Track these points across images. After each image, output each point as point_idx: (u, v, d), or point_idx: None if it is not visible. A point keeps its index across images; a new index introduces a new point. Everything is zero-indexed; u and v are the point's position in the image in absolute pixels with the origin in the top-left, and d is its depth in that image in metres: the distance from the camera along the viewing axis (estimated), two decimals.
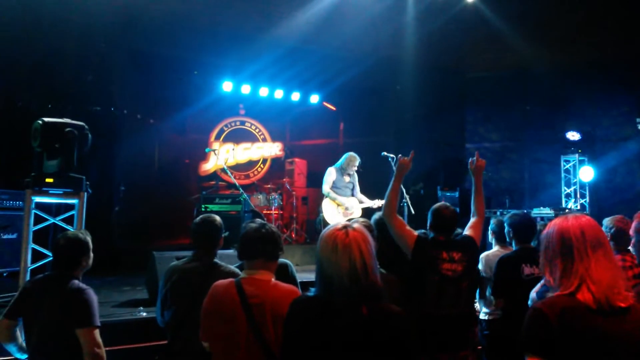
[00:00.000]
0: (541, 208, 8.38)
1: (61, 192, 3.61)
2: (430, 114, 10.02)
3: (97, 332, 2.56)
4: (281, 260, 3.04)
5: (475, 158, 3.45)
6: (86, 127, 3.77)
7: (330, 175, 6.40)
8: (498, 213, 8.08)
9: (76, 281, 2.64)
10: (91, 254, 2.79)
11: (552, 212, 8.09)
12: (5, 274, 5.94)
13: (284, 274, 2.90)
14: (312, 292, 1.81)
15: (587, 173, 9.33)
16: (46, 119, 3.68)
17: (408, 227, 3.10)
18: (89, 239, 2.77)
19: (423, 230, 3.26)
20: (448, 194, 9.17)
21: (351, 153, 6.48)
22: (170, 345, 2.82)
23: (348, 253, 1.70)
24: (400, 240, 3.06)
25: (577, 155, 9.40)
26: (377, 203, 6.32)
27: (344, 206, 6.36)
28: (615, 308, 1.51)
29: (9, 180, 6.58)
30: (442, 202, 3.25)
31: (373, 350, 1.66)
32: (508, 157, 10.61)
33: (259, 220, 2.50)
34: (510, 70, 10.09)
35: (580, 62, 9.45)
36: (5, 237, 6.04)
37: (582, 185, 9.54)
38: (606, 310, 1.51)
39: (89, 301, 2.58)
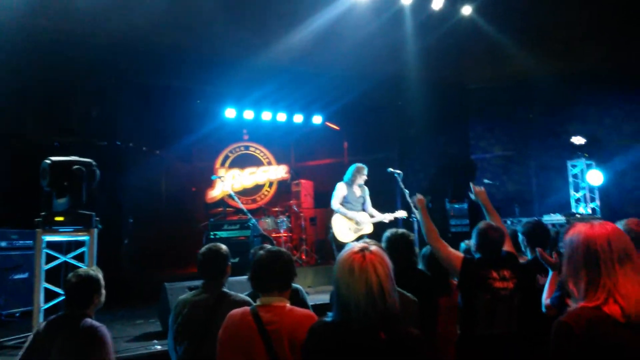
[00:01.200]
0: (551, 214, 8.30)
1: (71, 229, 3.63)
2: (434, 128, 10.04)
3: None
4: (292, 285, 3.02)
5: (472, 189, 3.63)
6: (94, 163, 3.80)
7: (340, 190, 6.34)
8: (509, 222, 8.02)
9: (89, 320, 2.62)
10: (103, 291, 2.79)
11: (563, 218, 8.01)
12: (17, 314, 5.93)
13: (295, 298, 2.88)
14: (329, 316, 1.79)
15: (595, 177, 9.26)
16: (54, 158, 3.72)
17: (452, 249, 3.17)
18: (100, 275, 2.77)
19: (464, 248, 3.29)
20: (456, 205, 9.12)
21: (357, 164, 6.45)
22: None
23: (365, 276, 1.67)
24: (446, 262, 3.14)
25: (583, 159, 9.35)
26: (389, 217, 6.29)
27: (354, 220, 6.30)
28: None
29: (18, 220, 6.63)
30: (487, 222, 3.26)
31: None
32: (514, 166, 10.56)
33: (268, 246, 2.48)
34: (511, 79, 10.11)
35: (584, 68, 9.46)
36: (16, 277, 6.04)
37: (592, 189, 9.46)
38: (635, 325, 1.45)
39: (103, 340, 2.56)
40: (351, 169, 6.41)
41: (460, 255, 3.13)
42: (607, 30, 8.34)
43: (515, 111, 10.47)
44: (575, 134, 9.31)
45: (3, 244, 6.18)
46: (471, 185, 3.63)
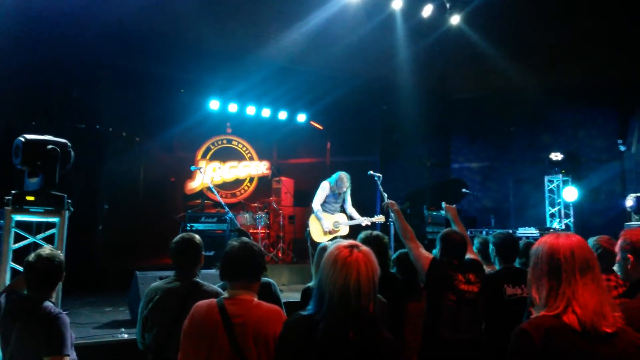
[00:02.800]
0: (526, 228, 8.45)
1: (42, 210, 3.53)
2: (416, 134, 10.13)
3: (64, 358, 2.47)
4: (265, 279, 3.01)
5: (444, 205, 3.88)
6: (69, 144, 3.71)
7: (324, 190, 6.37)
8: (484, 232, 8.12)
9: (49, 305, 2.52)
10: (64, 273, 2.72)
11: (537, 232, 8.16)
12: None
13: (267, 292, 2.86)
14: (308, 309, 1.78)
15: (571, 193, 9.45)
16: (28, 136, 3.62)
17: (424, 250, 3.24)
18: (62, 257, 2.70)
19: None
20: (434, 213, 9.19)
21: (342, 173, 6.46)
22: None
23: (345, 271, 1.67)
24: (417, 262, 3.21)
25: (560, 175, 9.54)
26: (366, 221, 6.30)
27: (330, 222, 6.34)
28: (601, 333, 1.49)
29: None
30: (450, 228, 3.41)
31: None
32: (493, 177, 10.72)
33: (242, 239, 2.46)
34: (494, 91, 10.27)
35: (564, 83, 9.67)
36: None
37: (567, 205, 9.65)
38: (592, 335, 1.49)
39: (60, 329, 2.48)
40: (335, 175, 6.43)
41: (430, 256, 3.19)
42: (587, 47, 8.54)
43: (496, 123, 10.63)
44: (553, 149, 9.50)
45: None
46: (443, 203, 3.78)
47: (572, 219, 9.60)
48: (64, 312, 2.59)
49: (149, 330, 2.77)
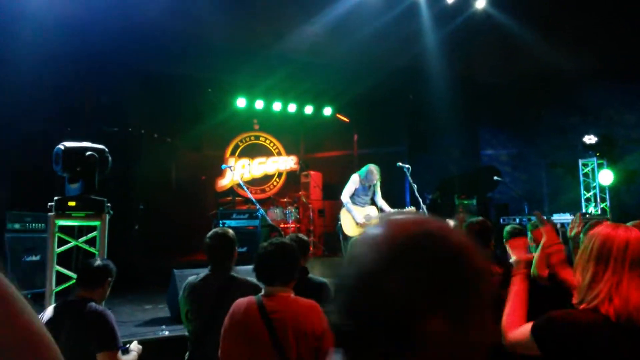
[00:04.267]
0: (561, 214, 8.25)
1: (83, 214, 3.68)
2: (444, 123, 9.99)
3: (119, 355, 2.59)
4: (319, 279, 3.05)
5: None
6: (106, 150, 3.85)
7: (354, 183, 6.37)
8: (517, 220, 7.98)
9: (94, 304, 2.66)
10: (111, 282, 2.84)
11: (572, 217, 7.95)
12: (29, 295, 6.04)
13: (321, 294, 2.86)
14: None
15: (606, 176, 9.18)
16: (67, 144, 3.77)
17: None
18: (114, 267, 2.83)
19: None
20: (465, 202, 9.10)
21: (372, 165, 6.45)
22: (190, 359, 2.86)
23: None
24: None
25: (595, 158, 9.27)
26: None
27: (361, 215, 6.34)
28: (639, 329, 1.45)
29: (32, 203, 6.75)
30: (478, 218, 3.33)
31: None
32: (525, 163, 10.50)
33: (276, 239, 2.51)
34: (522, 75, 10.02)
35: (595, 63, 9.36)
36: (28, 259, 6.15)
37: (602, 189, 9.39)
38: (628, 328, 1.45)
39: (109, 324, 2.61)
40: (365, 168, 6.42)
41: None
42: (619, 25, 8.23)
43: (526, 108, 10.39)
44: (587, 132, 9.24)
45: (17, 226, 6.28)
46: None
47: (608, 203, 9.33)
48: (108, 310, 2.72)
49: (188, 324, 2.88)
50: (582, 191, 9.48)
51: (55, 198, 3.74)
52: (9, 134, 7.01)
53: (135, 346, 2.86)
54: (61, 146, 3.79)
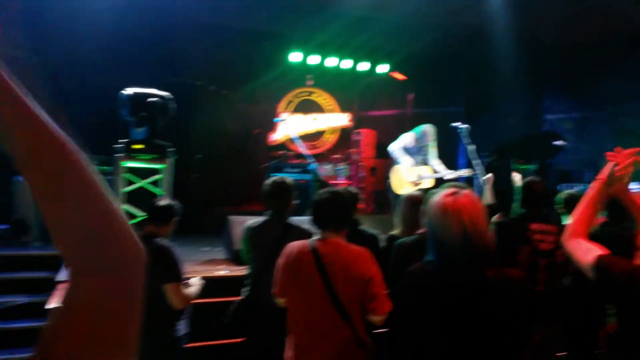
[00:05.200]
0: (630, 183, 7.82)
1: (149, 157, 3.87)
2: (505, 84, 9.56)
3: (180, 285, 2.76)
4: (370, 230, 3.14)
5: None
6: (170, 96, 3.98)
7: (405, 140, 6.32)
8: (578, 188, 7.65)
9: (160, 239, 2.82)
10: (177, 219, 3.00)
11: (638, 186, 7.55)
12: None
13: (371, 245, 2.94)
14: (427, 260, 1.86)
15: None
16: (134, 89, 3.92)
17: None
18: (178, 206, 2.99)
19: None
20: (523, 167, 8.79)
21: (426, 125, 6.33)
22: (247, 297, 3.02)
23: (458, 217, 1.73)
24: None
25: None
26: (451, 175, 6.16)
27: (413, 174, 6.28)
28: None
29: (97, 146, 7.12)
30: (533, 177, 3.33)
31: (493, 313, 1.68)
32: (590, 128, 9.95)
33: (331, 188, 2.57)
34: (594, 36, 9.35)
35: None
36: None
37: None
38: None
39: (175, 258, 2.77)
40: (419, 128, 6.31)
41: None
42: None
43: (595, 71, 9.73)
44: None
45: None
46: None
47: None
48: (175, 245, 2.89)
49: (249, 265, 3.02)
50: None
51: (122, 141, 3.95)
52: (74, 83, 7.37)
53: (198, 280, 3.04)
54: (128, 91, 3.96)
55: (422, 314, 1.81)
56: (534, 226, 2.96)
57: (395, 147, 6.29)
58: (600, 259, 1.60)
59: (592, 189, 1.88)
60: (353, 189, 3.55)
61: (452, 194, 1.79)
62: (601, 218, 3.47)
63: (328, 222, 2.43)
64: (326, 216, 2.44)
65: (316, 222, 2.48)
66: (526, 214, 3.07)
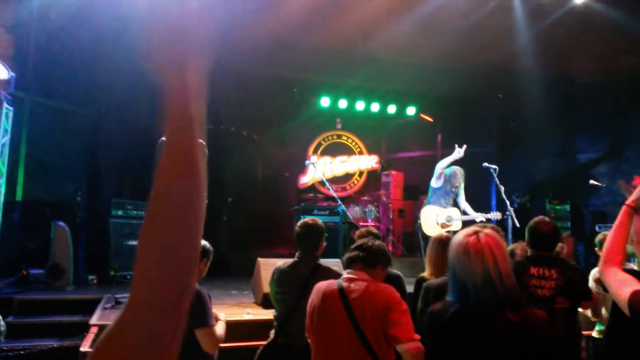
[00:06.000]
0: None
1: None
2: (537, 123, 9.46)
3: (213, 330, 2.76)
4: (393, 271, 3.15)
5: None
6: (204, 143, 4.12)
7: (440, 177, 6.30)
8: None
9: None
10: (208, 264, 3.02)
11: None
12: (129, 277, 6.62)
13: (395, 284, 2.94)
14: (448, 299, 1.83)
15: None
16: None
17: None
18: (210, 249, 3.02)
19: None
20: (558, 207, 8.56)
21: (456, 167, 6.29)
22: (275, 339, 3.00)
23: (481, 258, 1.69)
24: None
25: None
26: (481, 217, 6.06)
27: (442, 215, 6.21)
28: None
29: (134, 192, 7.41)
30: (539, 217, 3.06)
31: (518, 356, 1.63)
32: (625, 168, 9.66)
33: (370, 237, 2.64)
34: (624, 73, 9.23)
35: None
36: (129, 243, 6.75)
37: None
38: None
39: (206, 303, 2.78)
40: (449, 169, 6.29)
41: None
42: None
43: (628, 108, 9.54)
44: None
45: (119, 212, 6.93)
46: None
47: None
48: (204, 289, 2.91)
49: (276, 306, 3.03)
50: None
51: None
52: (117, 132, 7.73)
53: (221, 316, 3.03)
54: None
55: (443, 357, 1.76)
56: (534, 270, 2.79)
57: (434, 181, 6.26)
58: (635, 296, 1.54)
59: (621, 215, 1.86)
60: (373, 229, 3.57)
61: (475, 233, 1.76)
62: None
63: (356, 259, 2.46)
64: (356, 254, 2.47)
65: (347, 260, 2.52)
66: (531, 257, 2.91)
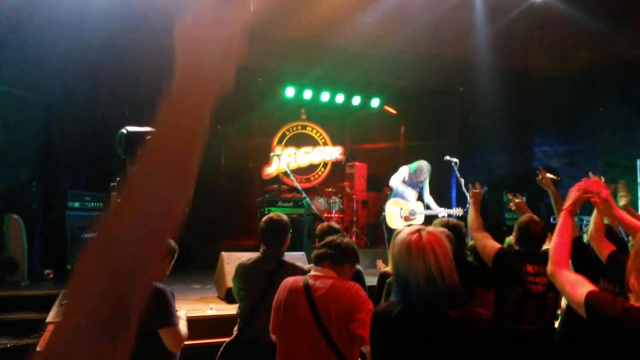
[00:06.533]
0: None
1: None
2: (497, 116, 9.73)
3: (178, 329, 2.72)
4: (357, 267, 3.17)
5: (474, 186, 3.49)
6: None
7: (403, 172, 6.41)
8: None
9: (154, 282, 2.77)
10: (172, 262, 2.96)
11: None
12: None
13: (355, 278, 2.99)
14: (393, 300, 1.83)
15: None
16: (129, 128, 3.96)
17: (491, 241, 3.12)
18: (175, 247, 2.95)
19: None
20: (515, 199, 8.85)
21: (423, 162, 6.40)
22: (239, 336, 3.00)
23: (422, 256, 1.69)
24: (482, 253, 3.12)
25: None
26: (443, 212, 6.20)
27: (406, 209, 6.34)
28: None
29: (91, 183, 7.17)
30: (530, 215, 3.18)
31: (460, 356, 1.65)
32: (580, 161, 10.09)
33: (339, 235, 2.66)
34: (581, 69, 9.60)
35: None
36: (87, 236, 6.54)
37: None
38: None
39: (170, 302, 2.73)
40: (415, 164, 6.39)
41: (497, 246, 3.08)
42: None
43: (583, 103, 9.95)
44: None
45: (76, 204, 6.70)
46: (470, 185, 3.57)
47: None
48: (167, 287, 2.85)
49: (240, 303, 3.02)
50: None
51: (117, 178, 3.96)
52: (72, 121, 7.45)
53: (182, 313, 2.98)
54: (124, 130, 3.99)
55: (387, 358, 1.76)
56: (530, 268, 2.92)
57: (396, 181, 6.36)
58: (590, 297, 1.59)
59: (563, 219, 2.00)
60: (334, 224, 3.60)
61: (417, 231, 1.76)
62: None
63: (324, 256, 2.47)
64: (324, 251, 2.48)
65: (314, 257, 2.52)
66: (522, 254, 3.01)
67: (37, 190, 7.01)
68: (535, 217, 3.16)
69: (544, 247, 3.08)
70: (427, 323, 1.68)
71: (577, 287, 1.66)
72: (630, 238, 3.20)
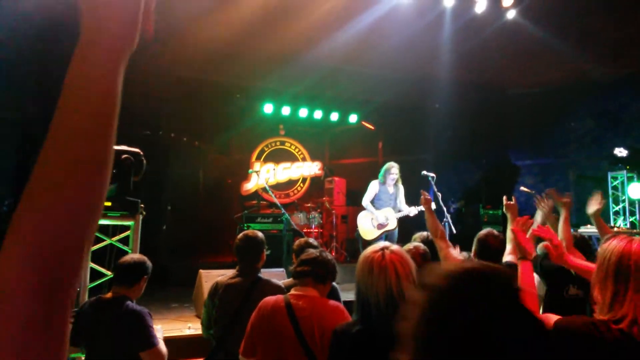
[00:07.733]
0: (589, 226, 8.11)
1: (118, 214, 3.84)
2: (472, 132, 9.96)
3: (157, 349, 2.67)
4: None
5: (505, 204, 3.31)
6: (141, 153, 4.00)
7: (372, 188, 6.50)
8: None
9: (131, 303, 2.68)
10: (147, 278, 2.91)
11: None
12: None
13: (331, 296, 3.00)
14: (354, 319, 1.80)
15: (636, 190, 9.00)
16: None
17: (453, 252, 3.08)
18: (149, 264, 2.90)
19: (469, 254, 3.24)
20: (491, 212, 9.02)
21: (389, 162, 6.56)
22: (212, 356, 2.95)
23: (384, 275, 1.65)
24: (444, 263, 3.10)
25: (625, 171, 9.10)
26: (413, 211, 6.32)
27: (376, 218, 6.42)
28: None
29: None
30: (489, 230, 3.13)
31: None
32: (553, 174, 10.36)
33: (319, 250, 2.63)
34: (554, 85, 9.91)
35: (628, 75, 9.20)
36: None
37: (632, 202, 9.20)
38: None
39: (148, 324, 2.67)
40: (383, 168, 6.54)
41: (458, 259, 3.05)
42: None
43: (556, 118, 10.26)
44: (617, 145, 9.08)
45: None
46: (422, 191, 3.59)
47: (637, 217, 9.13)
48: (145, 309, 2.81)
49: (214, 322, 2.97)
50: (611, 204, 9.30)
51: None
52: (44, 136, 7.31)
53: (159, 334, 2.93)
54: None
55: None
56: None
57: (366, 200, 6.45)
58: (558, 323, 1.58)
59: (514, 240, 2.14)
60: (313, 240, 3.59)
61: (381, 249, 1.71)
62: None
63: (307, 273, 2.43)
64: (306, 268, 2.44)
65: (296, 273, 2.48)
66: None
67: (8, 209, 6.85)
68: (494, 231, 3.13)
69: (504, 259, 3.09)
70: (384, 345, 1.68)
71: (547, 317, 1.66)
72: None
